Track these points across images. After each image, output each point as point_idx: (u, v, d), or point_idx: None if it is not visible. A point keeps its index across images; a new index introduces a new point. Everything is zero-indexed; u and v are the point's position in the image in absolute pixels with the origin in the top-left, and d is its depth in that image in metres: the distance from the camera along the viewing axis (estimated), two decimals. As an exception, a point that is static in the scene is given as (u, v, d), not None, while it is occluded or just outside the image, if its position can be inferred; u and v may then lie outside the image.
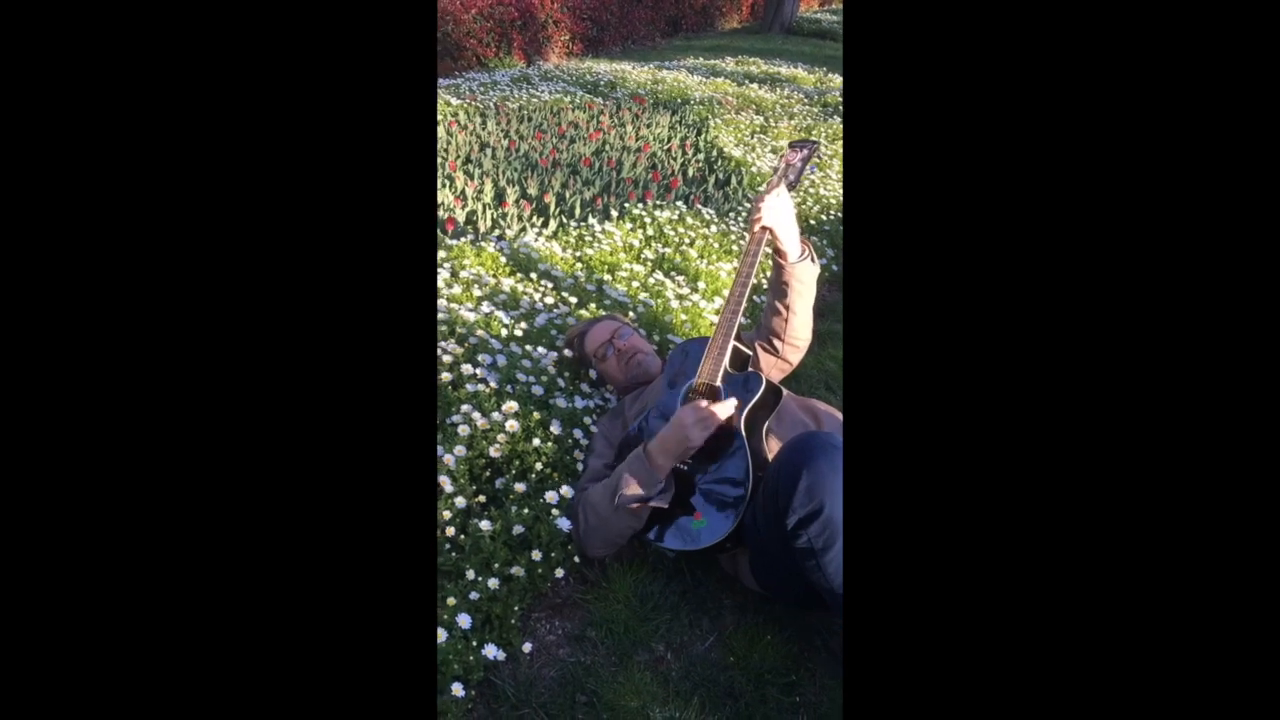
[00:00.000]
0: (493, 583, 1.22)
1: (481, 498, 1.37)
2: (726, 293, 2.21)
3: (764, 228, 1.41)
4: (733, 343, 1.36)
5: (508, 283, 2.03)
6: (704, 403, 1.26)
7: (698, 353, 1.39)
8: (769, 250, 1.46)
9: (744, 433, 1.27)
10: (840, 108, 5.04)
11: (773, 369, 1.54)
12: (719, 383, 1.33)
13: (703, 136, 3.91)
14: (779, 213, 1.41)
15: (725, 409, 1.26)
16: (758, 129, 4.23)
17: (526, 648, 1.19)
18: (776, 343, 1.52)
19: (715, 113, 4.40)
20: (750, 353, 1.46)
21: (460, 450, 1.38)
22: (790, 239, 1.44)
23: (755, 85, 5.45)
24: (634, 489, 1.25)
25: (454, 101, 4.31)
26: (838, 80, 5.93)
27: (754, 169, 3.35)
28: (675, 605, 1.30)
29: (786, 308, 1.47)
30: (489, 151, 3.39)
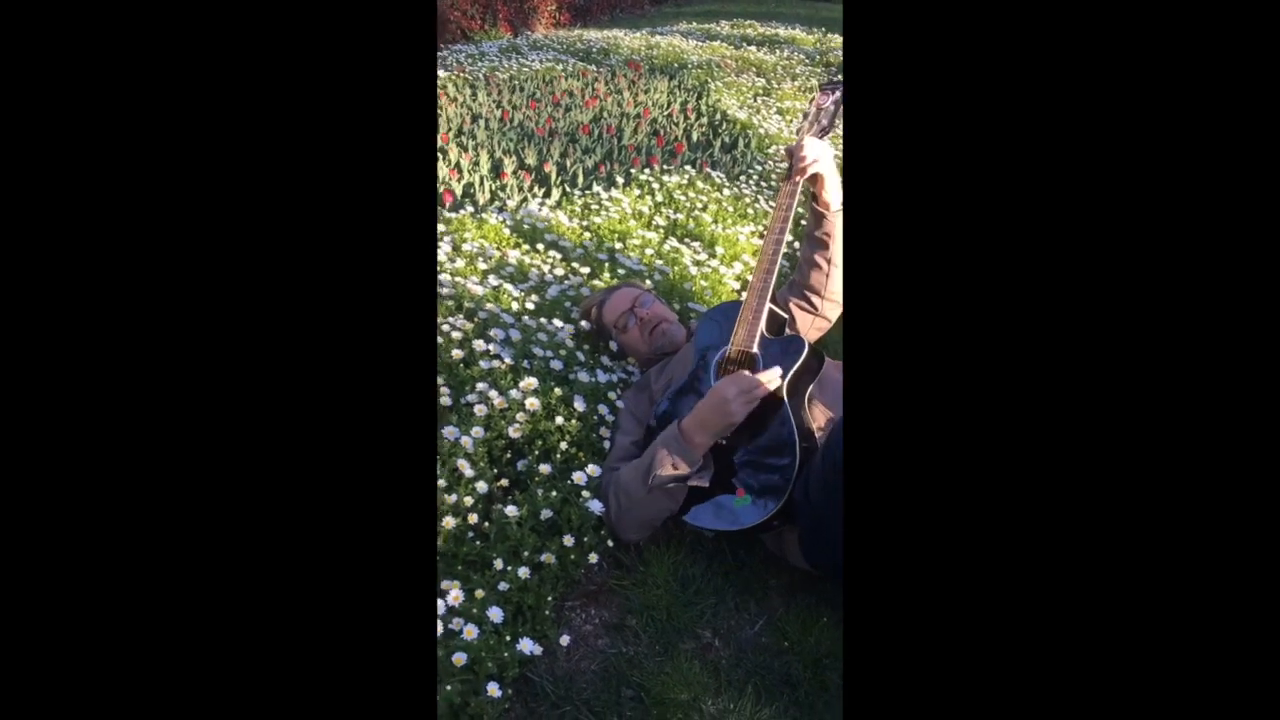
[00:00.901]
0: (523, 572, 1.12)
1: (504, 481, 1.27)
2: (747, 257, 2.11)
3: (812, 175, 1.29)
4: (768, 305, 1.26)
5: (514, 254, 1.91)
6: (746, 373, 1.16)
7: (730, 318, 1.28)
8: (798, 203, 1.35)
9: (787, 401, 1.17)
10: (842, 68, 4.88)
11: (810, 329, 1.44)
12: (756, 349, 1.22)
13: (704, 100, 3.76)
14: (822, 158, 1.29)
15: (770, 378, 1.16)
16: (760, 91, 4.08)
17: (564, 640, 1.10)
18: (815, 299, 1.41)
19: (715, 76, 4.25)
20: (786, 315, 1.36)
21: (478, 431, 1.28)
22: (834, 186, 1.33)
23: (753, 48, 5.28)
24: (669, 468, 1.16)
25: (441, 74, 4.15)
26: (838, 40, 5.76)
27: (761, 130, 3.22)
28: (719, 588, 1.21)
29: (828, 260, 1.37)
30: (481, 122, 3.26)
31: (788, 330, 1.34)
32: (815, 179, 1.31)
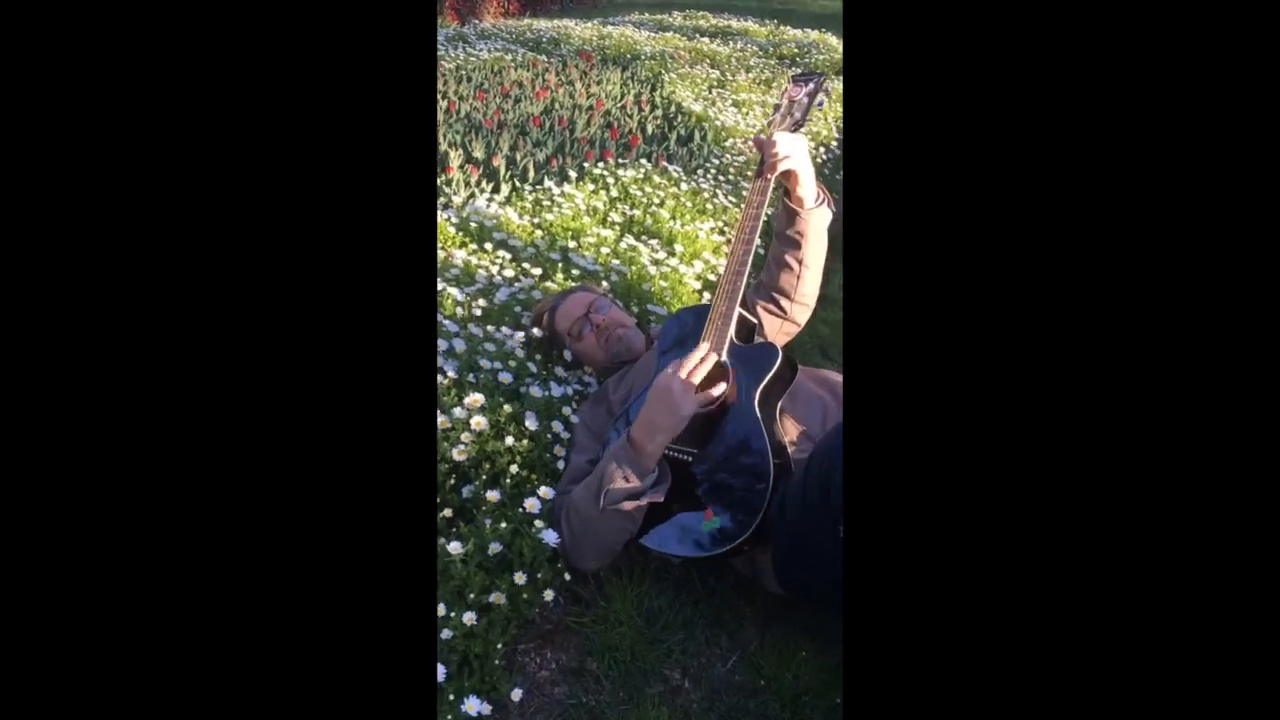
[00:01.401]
0: (468, 617, 1.00)
1: (447, 511, 1.14)
2: (708, 255, 2.01)
3: (785, 171, 1.19)
4: (738, 309, 1.15)
5: (460, 255, 1.77)
6: (688, 357, 1.06)
7: (696, 323, 1.18)
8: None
9: (758, 414, 1.07)
10: (796, 60, 4.84)
11: (778, 333, 1.34)
12: (725, 357, 1.12)
13: (658, 92, 3.65)
14: (796, 153, 1.19)
15: (700, 355, 1.06)
16: (715, 83, 3.99)
17: (516, 695, 0.98)
18: (784, 302, 1.32)
19: (669, 67, 4.14)
20: (755, 320, 1.26)
21: (417, 456, 1.15)
22: (808, 183, 1.23)
23: (706, 39, 5.19)
24: (621, 483, 1.05)
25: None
26: (791, 33, 5.72)
27: (718, 123, 3.13)
28: (688, 620, 1.11)
29: (799, 261, 1.27)
30: (427, 114, 3.07)
31: (758, 336, 1.24)
32: (788, 175, 1.21)
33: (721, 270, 1.97)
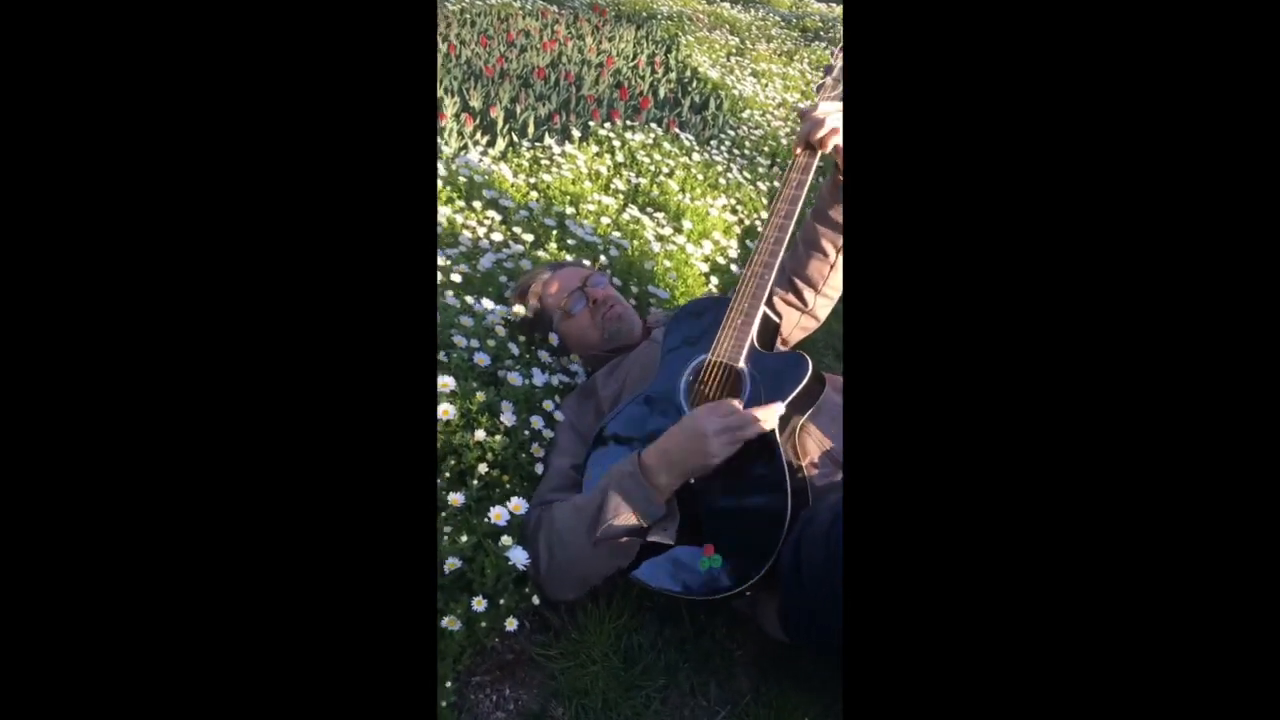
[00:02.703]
0: (414, 648, 0.84)
1: (401, 514, 0.97)
2: (719, 235, 1.82)
3: (837, 147, 1.01)
4: (763, 309, 0.98)
5: (444, 211, 1.58)
6: (734, 403, 0.89)
7: (710, 319, 1.00)
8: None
9: (779, 441, 0.90)
10: (820, 34, 4.60)
11: (795, 328, 1.17)
12: (743, 364, 0.95)
13: (673, 54, 3.42)
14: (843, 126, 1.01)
15: (769, 416, 0.89)
16: (733, 50, 3.76)
17: (463, 748, 0.82)
18: (808, 294, 1.14)
19: (686, 29, 3.90)
20: (778, 318, 1.08)
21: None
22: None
23: (727, 4, 4.93)
24: (625, 517, 0.88)
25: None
26: (814, 5, 5.46)
27: (735, 92, 2.92)
28: (672, 663, 0.95)
29: (837, 249, 1.09)
30: (423, 55, 2.84)
31: (779, 340, 1.07)
32: (839, 150, 1.03)
33: (734, 254, 1.80)
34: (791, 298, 1.16)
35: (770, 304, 1.11)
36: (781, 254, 1.00)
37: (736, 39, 4.00)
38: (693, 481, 0.92)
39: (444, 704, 0.84)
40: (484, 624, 0.90)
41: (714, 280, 1.68)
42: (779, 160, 2.42)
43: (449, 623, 0.89)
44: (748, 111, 2.77)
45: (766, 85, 3.20)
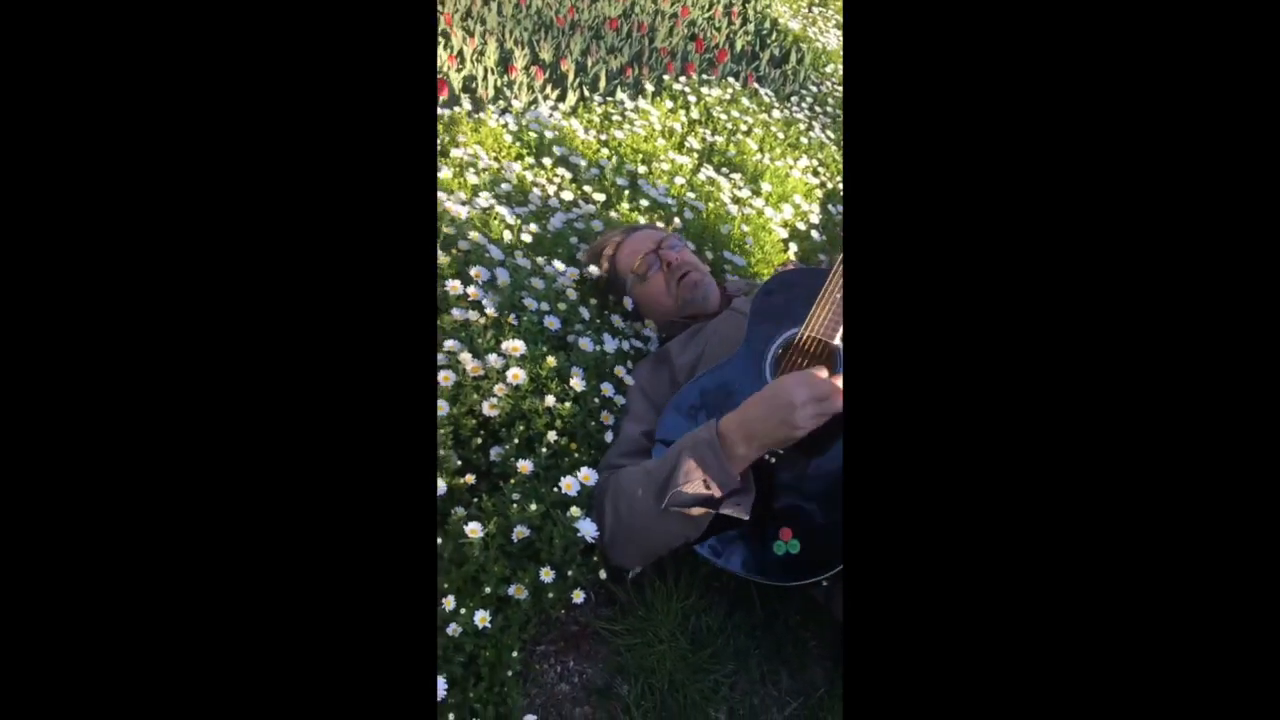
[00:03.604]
0: (480, 615, 0.82)
1: (470, 478, 0.96)
2: (799, 199, 1.73)
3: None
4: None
5: (514, 168, 1.54)
6: (823, 372, 0.82)
7: (802, 292, 0.93)
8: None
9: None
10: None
11: None
12: (838, 341, 0.88)
13: (751, 4, 3.25)
14: None
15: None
16: (817, 1, 3.55)
17: (529, 720, 0.81)
18: None
19: (765, -22, 3.70)
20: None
21: (442, 406, 0.96)
22: None
23: (809, -49, 4.65)
24: (697, 484, 0.84)
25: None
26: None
27: (818, 45, 2.75)
28: (742, 650, 0.92)
29: None
30: (493, 6, 2.79)
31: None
32: None
33: (815, 219, 1.70)
34: None
35: None
36: None
37: (819, -12, 3.77)
38: (772, 459, 0.87)
39: (510, 673, 0.83)
40: (550, 594, 0.88)
41: (793, 247, 1.59)
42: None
43: (516, 591, 0.87)
44: (831, 66, 2.61)
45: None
